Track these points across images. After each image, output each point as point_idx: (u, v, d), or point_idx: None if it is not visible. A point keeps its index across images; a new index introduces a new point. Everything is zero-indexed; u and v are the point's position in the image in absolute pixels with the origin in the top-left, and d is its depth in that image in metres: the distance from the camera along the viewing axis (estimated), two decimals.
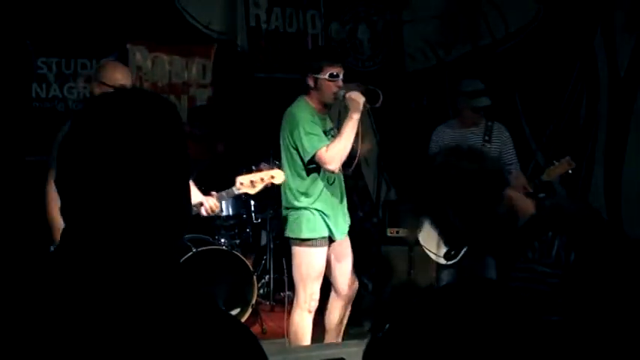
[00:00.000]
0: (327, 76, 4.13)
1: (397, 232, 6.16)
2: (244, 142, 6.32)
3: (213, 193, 4.14)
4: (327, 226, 4.22)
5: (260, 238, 6.27)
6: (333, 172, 4.16)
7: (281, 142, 4.27)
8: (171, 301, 1.14)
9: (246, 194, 4.17)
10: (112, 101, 1.23)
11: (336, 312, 4.54)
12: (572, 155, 5.61)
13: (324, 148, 4.03)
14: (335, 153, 4.03)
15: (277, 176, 4.07)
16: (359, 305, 6.15)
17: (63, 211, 1.19)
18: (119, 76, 3.91)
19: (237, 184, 4.04)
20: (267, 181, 4.02)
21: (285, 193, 4.27)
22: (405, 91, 6.70)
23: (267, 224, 6.06)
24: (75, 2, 5.80)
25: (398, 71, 6.99)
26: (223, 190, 4.18)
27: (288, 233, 4.27)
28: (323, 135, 4.13)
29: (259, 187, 4.02)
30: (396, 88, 6.90)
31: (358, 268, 6.64)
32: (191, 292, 1.18)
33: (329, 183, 4.27)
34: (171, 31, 6.30)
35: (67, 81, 6.00)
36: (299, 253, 4.23)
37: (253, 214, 5.90)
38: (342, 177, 4.39)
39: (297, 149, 4.16)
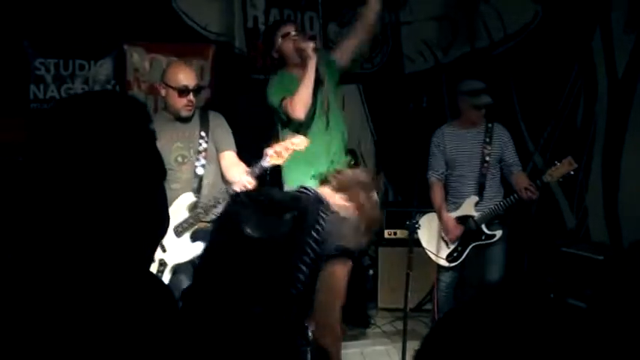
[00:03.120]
0: (280, 39, 4.52)
1: (395, 234, 6.16)
2: (241, 144, 6.31)
3: (247, 169, 4.17)
4: None
5: None
6: (300, 120, 4.35)
7: None
8: (128, 310, 1.10)
9: (275, 166, 4.17)
10: (77, 104, 1.20)
11: None
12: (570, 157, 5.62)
13: (288, 98, 4.33)
14: (296, 99, 4.28)
15: (298, 142, 4.09)
16: (357, 307, 6.15)
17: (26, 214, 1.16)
18: (181, 77, 4.21)
19: (268, 157, 4.04)
20: (290, 148, 4.02)
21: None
22: (403, 93, 6.69)
23: None
24: (72, 3, 5.79)
25: (396, 72, 6.99)
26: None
27: None
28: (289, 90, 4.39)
29: (286, 155, 4.03)
30: (394, 90, 6.90)
31: (356, 270, 6.64)
32: (153, 303, 1.14)
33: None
34: (169, 33, 6.29)
35: (65, 82, 5.99)
36: None
37: None
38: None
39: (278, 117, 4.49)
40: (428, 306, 5.96)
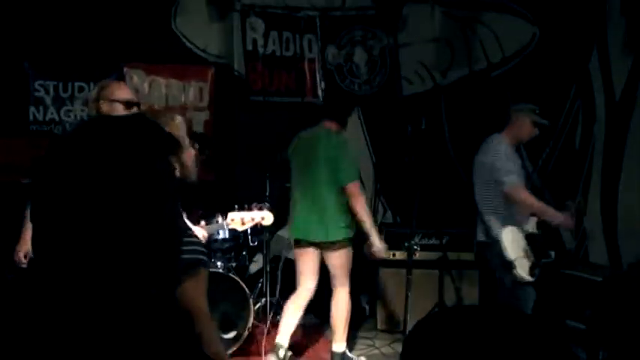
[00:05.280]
0: None
1: (394, 255, 6.14)
2: (239, 165, 6.33)
3: (203, 223, 4.20)
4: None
5: (257, 260, 6.24)
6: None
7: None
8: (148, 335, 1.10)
9: (234, 229, 4.25)
10: (98, 125, 1.20)
11: None
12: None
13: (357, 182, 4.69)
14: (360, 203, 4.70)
15: (267, 218, 4.23)
16: (356, 329, 6.13)
17: (34, 238, 1.15)
18: (121, 93, 4.06)
19: (229, 219, 4.11)
20: (257, 221, 4.12)
21: None
22: (401, 115, 6.71)
23: (264, 247, 6.04)
24: (72, 25, 5.83)
25: (394, 95, 7.01)
26: (212, 217, 4.35)
27: None
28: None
29: (248, 225, 4.13)
30: (393, 112, 6.92)
31: (356, 292, 6.63)
32: (169, 328, 1.14)
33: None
34: (169, 55, 6.34)
35: (64, 104, 6.02)
36: None
37: (250, 237, 5.88)
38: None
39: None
40: None
